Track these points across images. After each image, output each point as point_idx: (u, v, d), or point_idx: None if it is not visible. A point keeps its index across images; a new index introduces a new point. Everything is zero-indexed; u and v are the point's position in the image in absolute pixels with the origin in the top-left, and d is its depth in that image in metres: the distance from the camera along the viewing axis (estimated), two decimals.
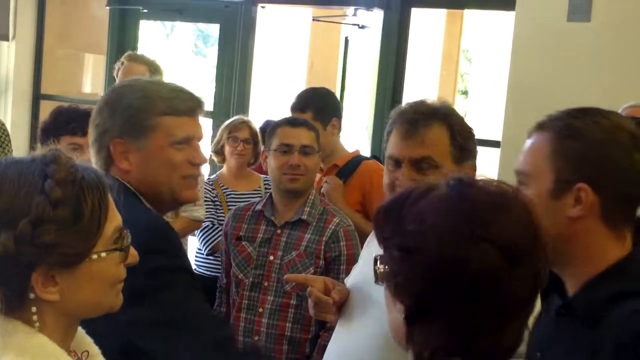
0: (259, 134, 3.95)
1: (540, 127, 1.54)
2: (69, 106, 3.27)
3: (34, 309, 1.19)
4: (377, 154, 3.80)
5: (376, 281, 1.24)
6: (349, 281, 2.21)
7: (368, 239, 2.25)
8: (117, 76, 3.63)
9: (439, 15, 9.69)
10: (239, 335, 2.84)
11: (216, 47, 5.37)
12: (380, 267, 1.22)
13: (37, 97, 5.52)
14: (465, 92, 13.12)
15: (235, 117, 4.19)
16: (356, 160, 3.40)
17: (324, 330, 2.77)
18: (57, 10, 5.79)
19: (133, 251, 1.29)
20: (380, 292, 1.35)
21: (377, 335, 1.86)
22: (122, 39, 5.46)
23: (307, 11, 7.33)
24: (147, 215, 1.73)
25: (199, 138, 1.84)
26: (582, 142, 1.47)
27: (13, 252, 1.13)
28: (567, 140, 1.48)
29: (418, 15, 4.84)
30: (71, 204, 1.17)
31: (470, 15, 9.93)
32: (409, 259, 1.13)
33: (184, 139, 1.78)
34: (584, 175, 1.44)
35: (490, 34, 9.78)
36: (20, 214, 1.14)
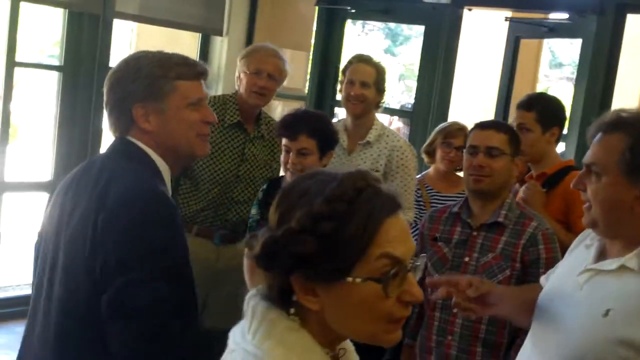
0: None
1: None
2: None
3: (292, 310, 1.23)
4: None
5: None
6: (543, 291, 2.21)
7: (570, 248, 2.23)
8: (344, 75, 3.75)
9: None
10: (432, 334, 2.87)
11: (405, 46, 5.43)
12: None
13: None
14: None
15: (451, 122, 4.19)
16: (566, 169, 3.33)
17: (518, 334, 2.75)
18: (267, 7, 6.07)
19: (414, 291, 1.22)
20: (572, 307, 1.67)
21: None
22: (327, 37, 5.65)
23: (502, 13, 7.20)
24: (150, 185, 1.86)
25: (207, 99, 2.03)
26: None
27: (271, 252, 1.19)
28: None
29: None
30: (334, 221, 1.17)
31: None
32: None
33: (197, 100, 1.97)
34: None
35: None
36: (287, 220, 1.20)
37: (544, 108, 3.38)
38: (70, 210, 1.89)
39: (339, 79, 3.81)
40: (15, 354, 2.07)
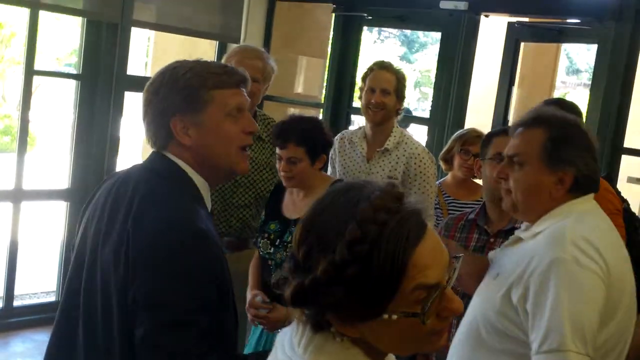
0: None
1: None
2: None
3: (338, 339, 1.20)
4: (606, 173, 3.66)
5: None
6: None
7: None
8: (364, 82, 3.73)
9: None
10: (450, 341, 2.85)
11: (421, 53, 5.40)
12: None
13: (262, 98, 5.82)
14: None
15: (468, 129, 4.15)
16: None
17: None
18: (284, 15, 6.09)
19: (452, 306, 1.19)
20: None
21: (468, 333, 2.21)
22: (344, 44, 5.64)
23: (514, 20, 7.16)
24: (186, 216, 1.77)
25: (247, 107, 1.94)
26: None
27: (301, 301, 1.17)
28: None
29: None
30: (359, 264, 1.13)
31: None
32: None
33: (236, 108, 1.89)
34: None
35: None
36: (311, 266, 1.16)
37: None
38: (106, 230, 1.83)
39: (359, 85, 3.79)
40: None
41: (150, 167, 1.90)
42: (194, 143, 1.86)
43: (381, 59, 3.81)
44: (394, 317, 1.14)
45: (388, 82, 3.62)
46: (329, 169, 3.92)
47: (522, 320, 2.02)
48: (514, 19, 5.20)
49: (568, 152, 2.11)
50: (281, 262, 3.03)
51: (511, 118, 5.35)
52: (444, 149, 4.09)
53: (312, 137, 3.09)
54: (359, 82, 3.89)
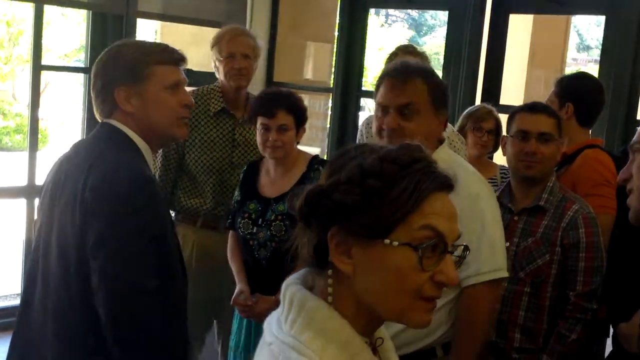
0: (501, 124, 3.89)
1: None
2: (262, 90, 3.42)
3: (330, 272, 1.22)
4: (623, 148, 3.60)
5: None
6: None
7: None
8: None
9: None
10: None
11: (429, 36, 5.32)
12: None
13: (270, 84, 5.80)
14: None
15: (478, 105, 4.12)
16: (582, 148, 3.26)
17: (562, 318, 2.72)
18: (290, 0, 6.05)
19: (449, 272, 1.20)
20: None
21: None
22: (351, 28, 5.59)
23: None
24: (131, 165, 2.02)
25: (185, 84, 2.20)
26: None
27: (314, 201, 1.20)
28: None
29: None
30: (383, 180, 1.18)
31: None
32: None
33: (174, 84, 2.14)
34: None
35: None
36: (337, 172, 1.22)
37: (565, 82, 3.35)
38: (60, 195, 2.03)
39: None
40: None
41: (97, 135, 2.12)
42: (136, 111, 2.09)
43: (404, 44, 3.83)
44: (395, 243, 1.17)
45: None
46: None
47: None
48: None
49: (444, 98, 2.35)
50: (264, 241, 3.02)
51: (522, 98, 5.19)
52: (456, 127, 4.05)
53: (299, 107, 3.11)
54: (367, 65, 3.87)
